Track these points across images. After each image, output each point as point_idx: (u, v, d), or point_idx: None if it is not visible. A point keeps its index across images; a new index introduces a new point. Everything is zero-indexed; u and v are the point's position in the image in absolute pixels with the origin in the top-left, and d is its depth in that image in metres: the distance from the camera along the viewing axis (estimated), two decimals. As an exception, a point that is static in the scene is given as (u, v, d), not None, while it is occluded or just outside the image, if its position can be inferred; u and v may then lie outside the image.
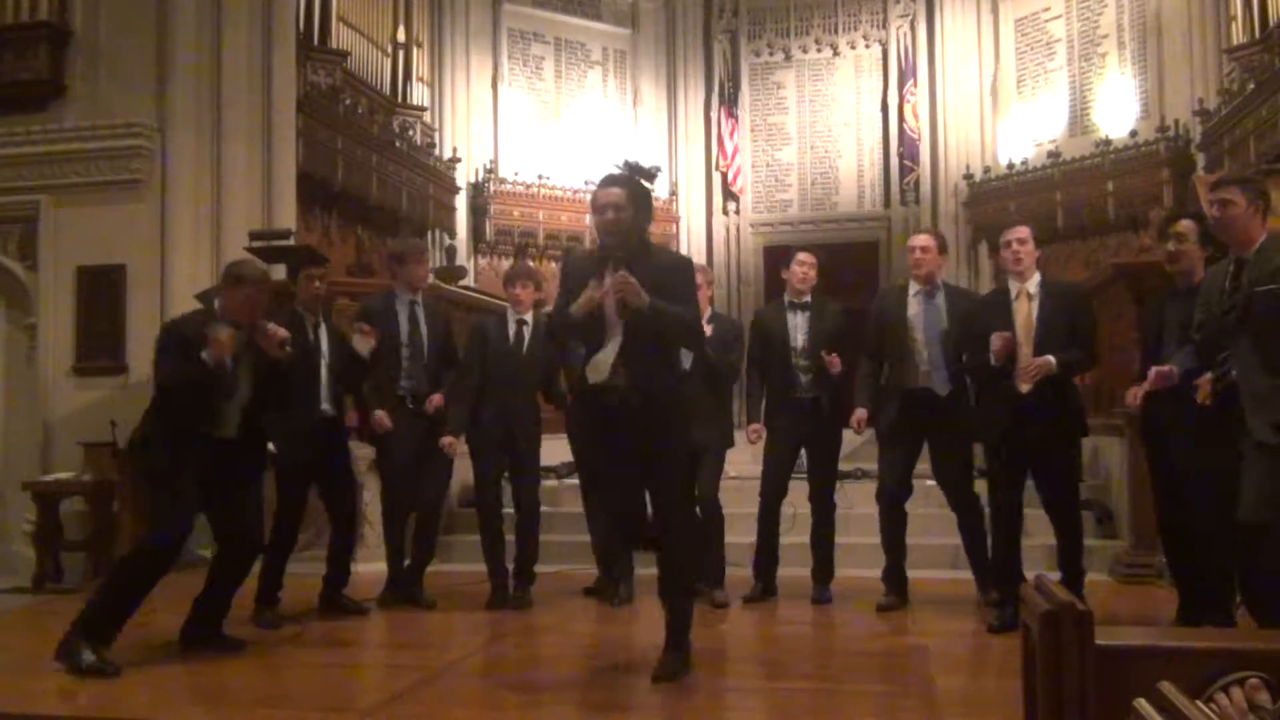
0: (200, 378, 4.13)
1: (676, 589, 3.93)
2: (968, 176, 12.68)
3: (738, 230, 13.44)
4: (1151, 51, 11.24)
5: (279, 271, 6.67)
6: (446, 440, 5.29)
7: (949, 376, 4.97)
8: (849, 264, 11.21)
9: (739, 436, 5.59)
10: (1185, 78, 10.69)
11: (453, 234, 12.19)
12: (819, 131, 13.39)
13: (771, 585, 5.38)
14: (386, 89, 11.34)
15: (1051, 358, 4.49)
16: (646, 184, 3.92)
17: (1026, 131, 12.42)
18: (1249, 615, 3.86)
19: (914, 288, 5.13)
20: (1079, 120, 11.99)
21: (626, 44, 13.70)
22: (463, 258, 12.13)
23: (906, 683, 3.98)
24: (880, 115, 13.14)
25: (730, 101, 13.38)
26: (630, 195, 3.86)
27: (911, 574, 5.22)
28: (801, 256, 5.43)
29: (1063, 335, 4.58)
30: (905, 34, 13.05)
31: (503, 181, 12.61)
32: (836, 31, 13.43)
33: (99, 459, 6.70)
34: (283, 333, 4.37)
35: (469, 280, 11.12)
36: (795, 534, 5.53)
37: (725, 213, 13.47)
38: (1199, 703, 1.87)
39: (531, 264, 11.89)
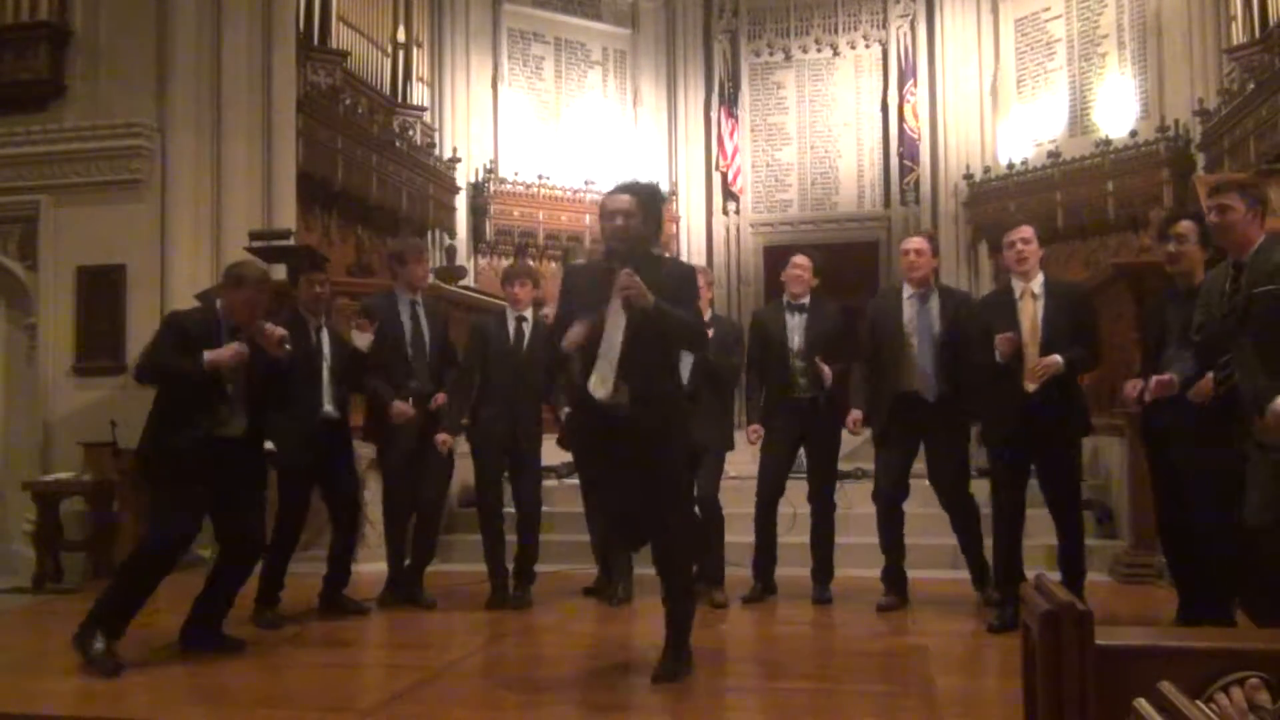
0: (189, 373, 4.15)
1: (676, 591, 3.93)
2: (968, 176, 12.69)
3: (738, 230, 13.45)
4: (1151, 51, 11.24)
5: (279, 272, 6.67)
6: (441, 437, 5.28)
7: (942, 379, 4.97)
8: (849, 264, 11.22)
9: (739, 437, 5.60)
10: (1185, 78, 10.70)
11: (453, 234, 12.19)
12: (819, 131, 13.39)
13: (771, 584, 5.39)
14: (386, 89, 11.34)
15: (1059, 357, 4.50)
16: (659, 204, 3.94)
17: (1026, 131, 12.42)
18: (1247, 615, 3.87)
19: (908, 290, 5.13)
20: (1079, 120, 11.99)
21: (626, 44, 13.70)
22: (463, 258, 12.13)
23: (906, 683, 3.98)
24: (880, 115, 13.14)
25: (730, 101, 13.39)
26: (640, 203, 3.86)
27: (911, 574, 5.22)
28: (796, 260, 5.44)
29: (1067, 334, 4.60)
30: (905, 34, 13.05)
31: (503, 181, 12.61)
32: (836, 31, 13.43)
33: (99, 459, 6.70)
34: (280, 331, 4.38)
35: (469, 280, 11.12)
36: (795, 534, 5.53)
37: (725, 213, 13.48)
38: (1199, 703, 1.87)
39: (531, 264, 11.91)
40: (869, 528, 5.40)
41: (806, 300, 5.37)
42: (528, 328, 5.41)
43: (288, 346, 4.40)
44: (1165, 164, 10.78)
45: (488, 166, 12.62)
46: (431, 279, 6.81)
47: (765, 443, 5.39)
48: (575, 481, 5.79)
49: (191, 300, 6.01)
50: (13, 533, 7.22)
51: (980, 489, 5.27)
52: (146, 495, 6.12)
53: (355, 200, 10.43)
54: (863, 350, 5.24)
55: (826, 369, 5.17)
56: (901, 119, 12.90)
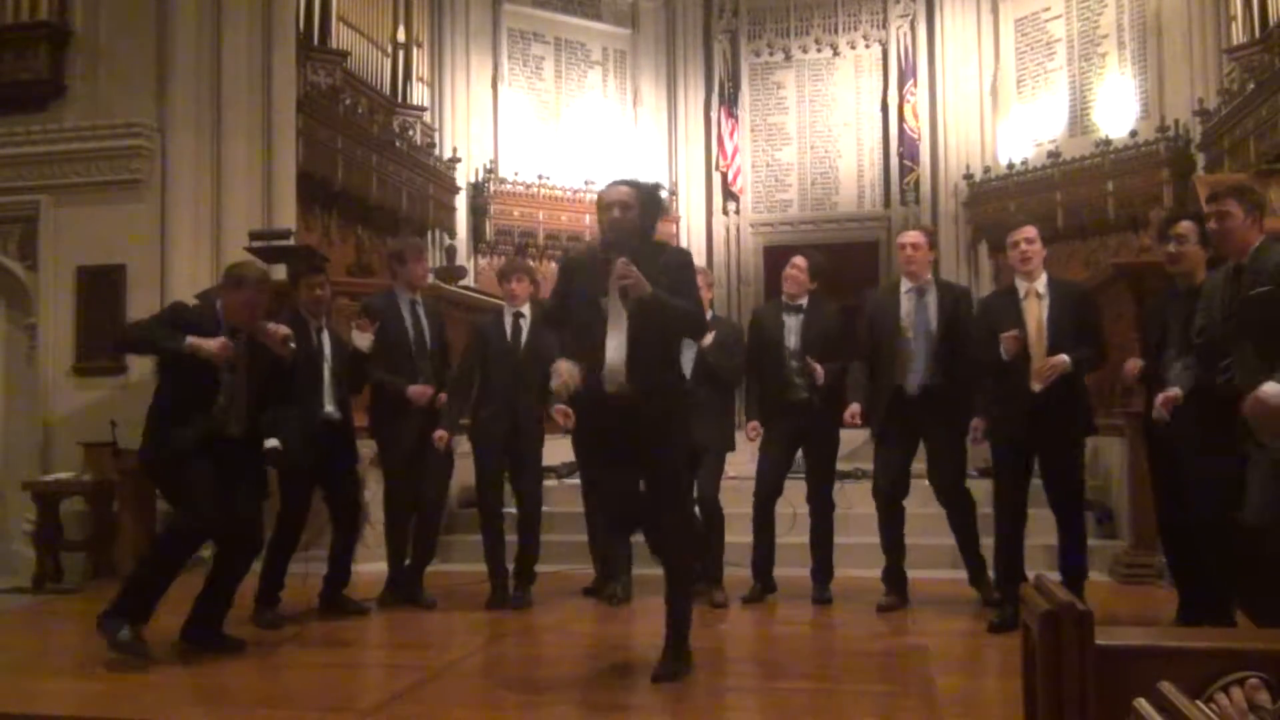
0: (165, 347, 4.17)
1: (676, 590, 3.93)
2: (968, 176, 12.69)
3: (738, 230, 13.45)
4: (1151, 51, 11.25)
5: (279, 272, 6.67)
6: (439, 434, 5.28)
7: (939, 374, 4.97)
8: (849, 264, 11.20)
9: (739, 436, 5.60)
10: (1185, 78, 10.70)
11: (453, 234, 12.19)
12: (819, 131, 13.40)
13: (770, 583, 5.39)
14: (386, 89, 11.34)
15: (1066, 357, 4.51)
16: (659, 203, 3.95)
17: (1026, 131, 12.42)
18: (1247, 615, 3.86)
19: (906, 285, 5.14)
20: (1079, 120, 11.99)
21: (626, 44, 13.70)
22: (463, 258, 12.14)
23: (906, 683, 3.98)
24: (880, 115, 13.14)
25: (730, 101, 13.39)
26: (637, 195, 3.86)
27: (911, 574, 5.22)
28: (794, 260, 5.44)
29: (1072, 334, 4.61)
30: (905, 34, 13.06)
31: (503, 181, 12.61)
32: (836, 31, 13.44)
33: (99, 459, 6.70)
34: (284, 330, 4.39)
35: (469, 280, 11.12)
36: (795, 534, 5.53)
37: (725, 213, 13.48)
38: (1199, 703, 1.87)
39: (531, 264, 11.90)
40: (869, 528, 5.40)
41: (803, 301, 5.37)
42: (525, 323, 5.41)
43: (292, 345, 4.40)
44: (1165, 164, 10.78)
45: (488, 166, 12.62)
46: (431, 279, 6.81)
47: (763, 443, 5.40)
48: (575, 481, 5.81)
49: (191, 300, 6.01)
50: (13, 533, 7.22)
51: (980, 488, 5.27)
52: (150, 496, 6.20)
53: (355, 200, 10.43)
54: (861, 346, 5.23)
55: (819, 368, 5.17)
56: (901, 119, 12.90)
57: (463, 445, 5.64)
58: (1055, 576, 4.11)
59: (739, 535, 5.52)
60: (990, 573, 5.01)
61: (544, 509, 5.65)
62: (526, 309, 5.45)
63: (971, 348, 4.92)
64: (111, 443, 6.60)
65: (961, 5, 12.89)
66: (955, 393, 4.98)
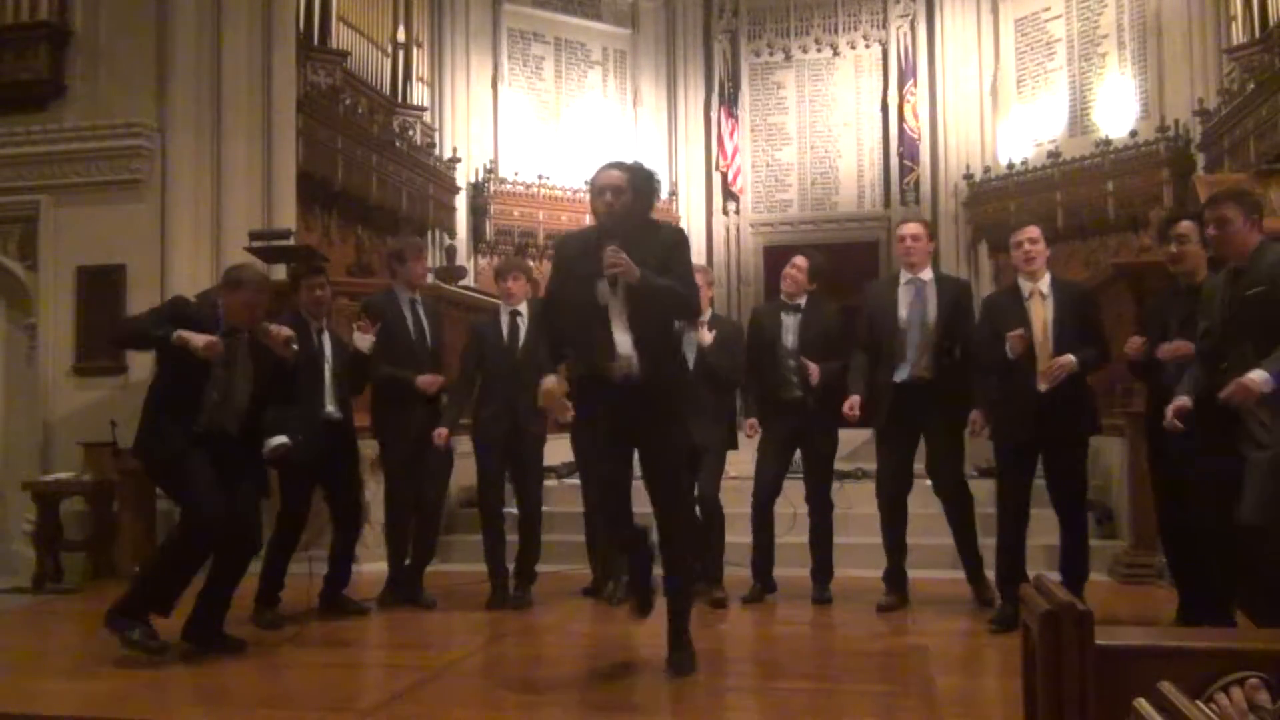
0: (154, 338, 4.15)
1: (674, 581, 3.93)
2: (968, 176, 12.69)
3: (738, 230, 13.45)
4: (1151, 51, 11.24)
5: (279, 272, 6.67)
6: (439, 432, 5.28)
7: (938, 366, 4.96)
8: (849, 264, 11.20)
9: (741, 435, 5.59)
10: (1185, 78, 10.70)
11: (453, 234, 12.19)
12: (819, 131, 13.40)
13: (770, 583, 5.39)
14: (386, 89, 11.34)
15: (1073, 357, 4.52)
16: (652, 189, 3.94)
17: (1026, 131, 12.42)
18: (1247, 615, 3.87)
19: (905, 277, 5.13)
20: (1079, 120, 11.99)
21: (626, 44, 13.70)
22: (463, 258, 12.14)
23: (906, 683, 3.98)
24: (880, 115, 13.14)
25: (730, 101, 13.39)
26: (630, 180, 3.85)
27: (911, 574, 5.22)
28: (794, 260, 5.44)
29: (1076, 334, 4.62)
30: (905, 34, 13.05)
31: (503, 181, 12.61)
32: (836, 31, 13.43)
33: (99, 459, 6.70)
34: (286, 331, 4.39)
35: (469, 280, 11.12)
36: (795, 534, 5.53)
37: (725, 213, 13.48)
38: (1199, 703, 1.88)
39: (531, 263, 11.90)
40: (869, 528, 5.40)
41: (801, 301, 5.37)
42: (522, 322, 5.40)
43: (294, 346, 4.40)
44: (1165, 164, 10.78)
45: (488, 166, 12.62)
46: (431, 278, 6.82)
47: (760, 443, 5.40)
48: (575, 481, 5.81)
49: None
50: (13, 533, 7.22)
51: (980, 488, 5.27)
52: (150, 496, 6.20)
53: (355, 200, 10.43)
54: (860, 337, 5.23)
55: (814, 368, 5.16)
56: (901, 119, 12.90)
57: (463, 445, 5.64)
58: (1055, 576, 4.12)
59: (739, 535, 5.52)
60: (989, 572, 5.01)
61: (544, 509, 5.64)
62: (524, 308, 5.44)
63: (975, 345, 4.93)
64: (111, 443, 6.60)
65: (961, 5, 12.88)
66: (954, 387, 4.98)
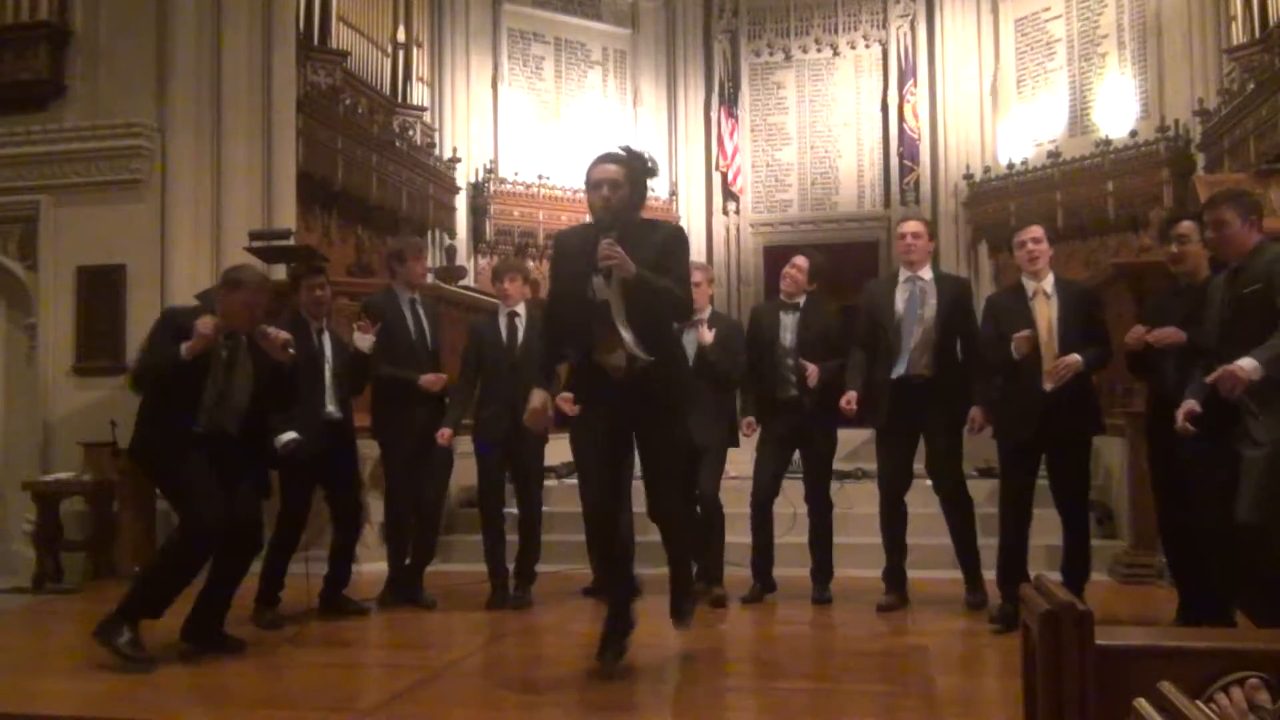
0: (168, 367, 4.13)
1: (672, 540, 4.00)
2: (968, 176, 12.69)
3: (738, 230, 13.45)
4: (1151, 51, 11.24)
5: (279, 272, 6.67)
6: (443, 432, 5.28)
7: (937, 365, 4.96)
8: (849, 264, 11.20)
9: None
10: (1185, 78, 10.69)
11: (453, 234, 12.19)
12: (819, 131, 13.40)
13: (770, 583, 5.39)
14: (386, 89, 11.34)
15: (1078, 356, 4.52)
16: (643, 172, 3.92)
17: (1026, 131, 12.42)
18: (1247, 615, 3.87)
19: (904, 275, 5.13)
20: (1079, 120, 11.99)
21: (626, 44, 13.70)
22: (463, 258, 12.14)
23: (906, 683, 3.98)
24: (880, 115, 13.14)
25: (730, 101, 13.39)
26: (626, 173, 3.84)
27: (911, 574, 5.22)
28: (795, 260, 5.44)
29: (1080, 332, 4.63)
30: (905, 34, 13.06)
31: (503, 181, 12.61)
32: (836, 31, 13.43)
33: (99, 459, 6.70)
34: (284, 335, 4.38)
35: (469, 280, 11.12)
36: (794, 534, 5.53)
37: (725, 213, 13.48)
38: (1199, 703, 1.87)
39: (530, 264, 11.91)
40: (869, 528, 5.40)
41: (800, 300, 5.37)
42: (520, 322, 5.40)
43: (291, 350, 4.39)
44: (1165, 164, 10.78)
45: (488, 166, 12.62)
46: (431, 278, 6.81)
47: (758, 443, 5.40)
48: (575, 481, 5.80)
49: (191, 301, 6.01)
50: (13, 533, 7.22)
51: (980, 488, 5.26)
52: (150, 496, 6.20)
53: (355, 200, 10.43)
54: (859, 335, 5.22)
55: (812, 369, 5.16)
56: (901, 119, 12.90)
57: (463, 445, 5.64)
58: (1056, 576, 4.12)
59: (739, 535, 5.52)
60: (989, 573, 4.99)
61: (544, 509, 5.65)
62: (521, 308, 5.44)
63: (978, 346, 4.93)
64: (111, 443, 6.60)
65: (961, 5, 12.88)
66: (953, 386, 4.97)
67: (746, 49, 13.61)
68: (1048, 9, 12.29)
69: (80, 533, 6.75)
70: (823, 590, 5.31)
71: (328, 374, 5.12)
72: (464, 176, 12.42)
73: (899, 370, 4.96)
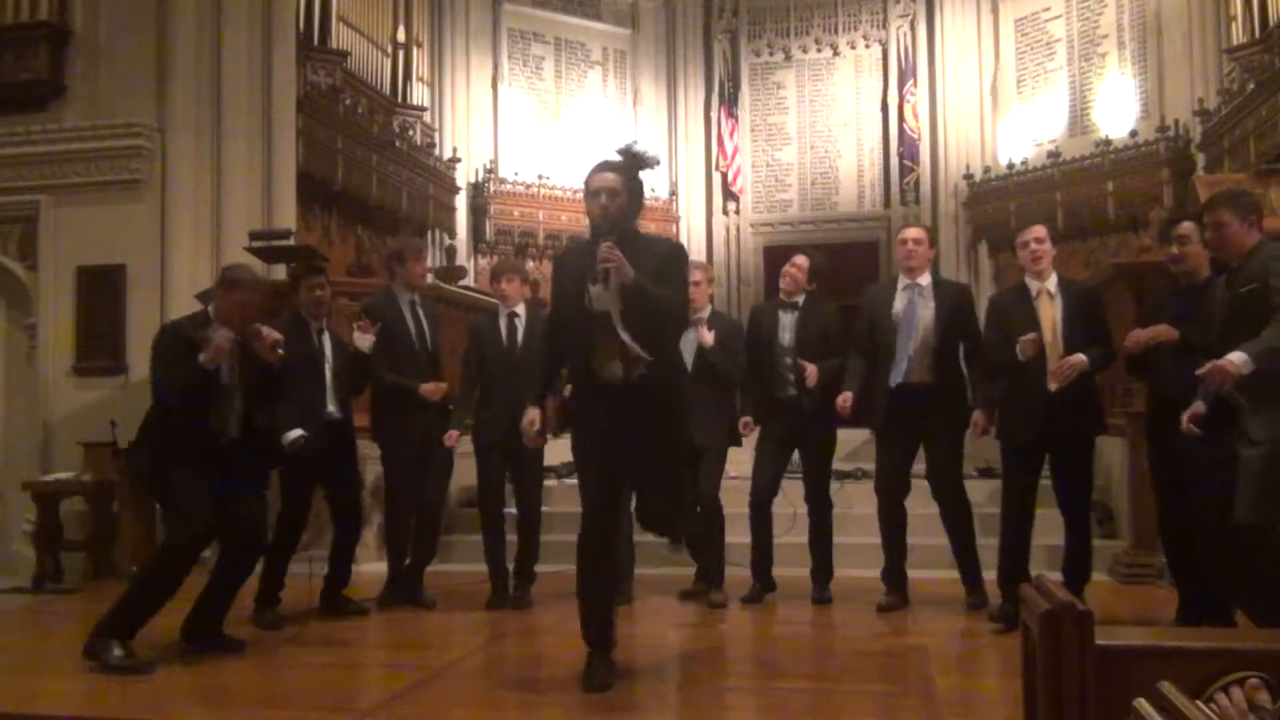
0: (197, 380, 4.15)
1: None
2: (968, 176, 12.69)
3: (738, 230, 13.45)
4: (1151, 51, 11.24)
5: (279, 272, 6.66)
6: (450, 434, 5.29)
7: (937, 371, 4.95)
8: (849, 264, 11.21)
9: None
10: (1185, 78, 10.70)
11: (453, 234, 12.19)
12: (819, 131, 13.40)
13: (770, 582, 5.39)
14: (386, 89, 11.34)
15: (1083, 356, 4.52)
16: (644, 171, 3.91)
17: (1026, 131, 12.42)
18: (1247, 615, 3.87)
19: (904, 281, 5.13)
20: (1079, 120, 11.99)
21: (626, 44, 13.70)
22: (463, 258, 12.14)
23: (906, 683, 3.98)
24: (880, 115, 13.15)
25: (730, 101, 13.39)
26: (624, 181, 3.84)
27: (911, 574, 5.22)
28: (795, 259, 5.43)
29: (1084, 332, 4.63)
30: (905, 34, 13.06)
31: (503, 181, 12.61)
32: (836, 31, 13.44)
33: (99, 459, 6.70)
34: (275, 335, 4.37)
35: (469, 280, 11.12)
36: (794, 534, 5.53)
37: (725, 213, 13.48)
38: (1199, 703, 1.87)
39: (530, 264, 11.91)
40: (869, 528, 5.40)
41: (799, 299, 5.37)
42: (520, 323, 5.40)
43: (281, 351, 4.38)
44: (1165, 164, 10.78)
45: (488, 166, 12.62)
46: (431, 278, 6.81)
47: (757, 443, 5.40)
48: (575, 481, 5.80)
49: (191, 300, 6.01)
50: (13, 533, 7.21)
51: (980, 489, 5.26)
52: (147, 497, 6.19)
53: (355, 200, 10.43)
54: (858, 340, 5.22)
55: (812, 369, 5.15)
56: (901, 119, 12.90)
57: (463, 445, 5.63)
58: (1056, 576, 4.12)
59: (739, 535, 5.52)
60: (989, 574, 4.99)
61: (544, 509, 5.64)
62: (521, 309, 5.44)
63: (981, 348, 4.93)
64: (111, 443, 6.60)
65: (961, 5, 12.88)
66: (953, 393, 4.97)
67: (746, 49, 13.61)
68: (1048, 9, 12.29)
69: (80, 533, 6.75)
70: (823, 590, 5.31)
71: (328, 374, 5.12)
72: (464, 176, 12.42)
73: (898, 377, 4.95)
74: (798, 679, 4.11)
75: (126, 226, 7.20)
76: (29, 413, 7.37)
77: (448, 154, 12.16)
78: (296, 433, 4.76)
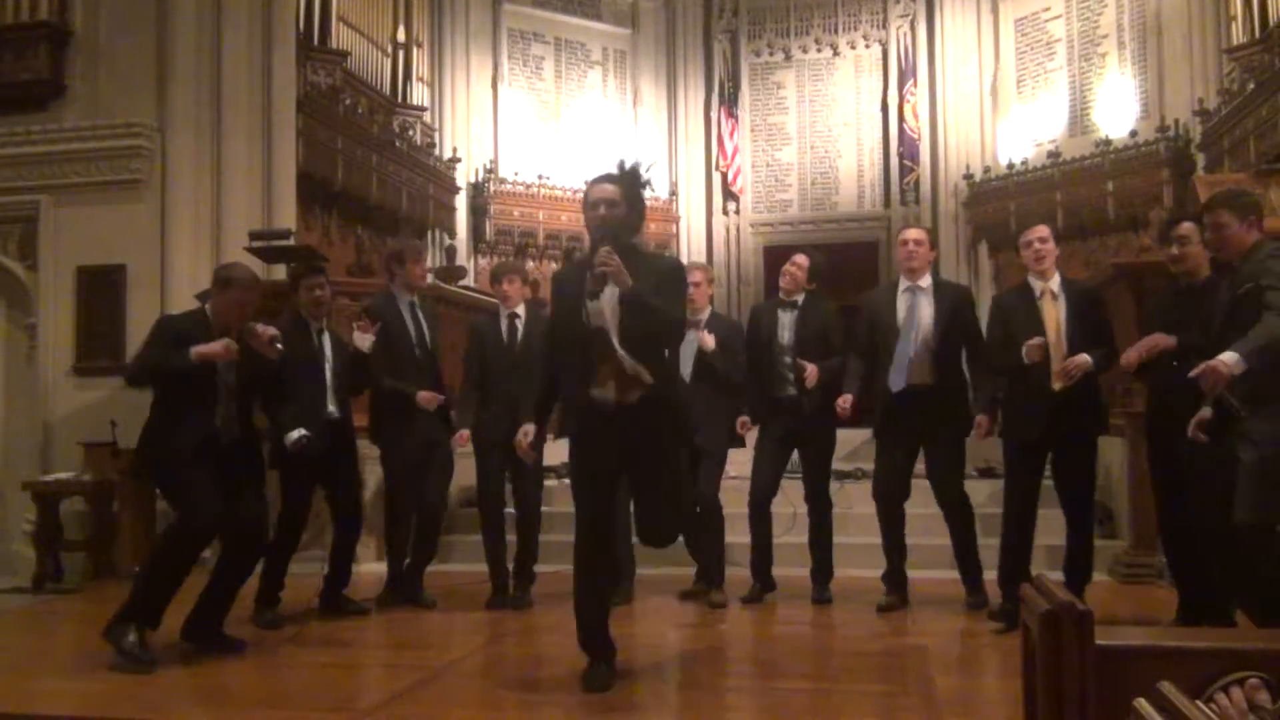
0: (177, 367, 4.14)
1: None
2: (968, 176, 12.69)
3: (738, 230, 13.45)
4: (1151, 51, 11.25)
5: (279, 272, 6.66)
6: (461, 434, 5.32)
7: (937, 373, 4.95)
8: (849, 264, 11.20)
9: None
10: (1185, 78, 10.70)
11: (453, 234, 12.19)
12: (819, 131, 13.40)
13: (769, 582, 5.39)
14: (386, 89, 11.34)
15: (1088, 356, 4.52)
16: (641, 188, 3.92)
17: (1026, 131, 12.42)
18: (1246, 615, 3.87)
19: (904, 284, 5.12)
20: (1079, 120, 11.99)
21: (626, 44, 13.70)
22: (463, 258, 12.14)
23: (906, 683, 3.98)
24: (880, 115, 13.15)
25: (730, 101, 13.39)
26: (624, 193, 3.84)
27: (911, 574, 5.22)
28: (795, 258, 5.43)
29: (1086, 332, 4.63)
30: (905, 34, 13.06)
31: (503, 181, 12.62)
32: (836, 31, 13.44)
33: (99, 459, 6.70)
34: (271, 331, 4.38)
35: (469, 280, 11.13)
36: (794, 534, 5.53)
37: (725, 213, 13.48)
38: (1199, 703, 1.88)
39: (531, 264, 11.92)
40: (869, 528, 5.40)
41: (799, 299, 5.36)
42: (520, 324, 5.40)
43: (279, 346, 4.39)
44: (1165, 164, 10.78)
45: (488, 166, 12.62)
46: (431, 279, 6.81)
47: (757, 442, 5.40)
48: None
49: (191, 300, 6.01)
50: (13, 533, 7.22)
51: (981, 489, 5.26)
52: (149, 497, 6.20)
53: (355, 200, 10.43)
54: (859, 343, 5.22)
55: (812, 369, 5.15)
56: (901, 119, 12.91)
57: (465, 445, 5.64)
58: (1057, 576, 4.12)
59: (739, 535, 5.52)
60: (989, 574, 4.99)
61: (544, 509, 5.65)
62: (521, 309, 5.44)
63: (982, 349, 4.93)
64: (111, 443, 6.60)
65: (961, 5, 12.89)
66: (953, 395, 4.97)
67: (746, 49, 13.61)
68: (1048, 9, 12.29)
69: (80, 533, 6.75)
70: (823, 590, 5.31)
71: (328, 374, 5.12)
72: (464, 176, 12.43)
73: (899, 380, 4.95)
74: (798, 679, 4.11)
75: (126, 226, 7.20)
76: (29, 413, 7.37)
77: (448, 154, 12.16)
78: (298, 433, 4.79)
